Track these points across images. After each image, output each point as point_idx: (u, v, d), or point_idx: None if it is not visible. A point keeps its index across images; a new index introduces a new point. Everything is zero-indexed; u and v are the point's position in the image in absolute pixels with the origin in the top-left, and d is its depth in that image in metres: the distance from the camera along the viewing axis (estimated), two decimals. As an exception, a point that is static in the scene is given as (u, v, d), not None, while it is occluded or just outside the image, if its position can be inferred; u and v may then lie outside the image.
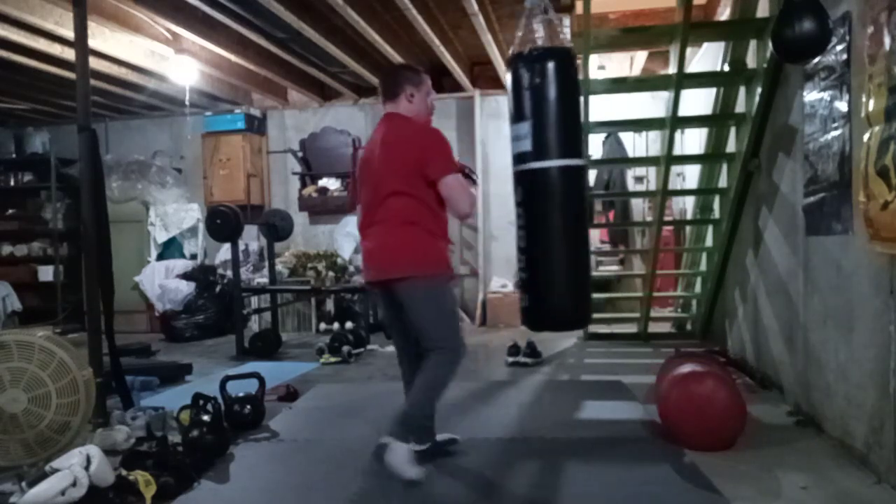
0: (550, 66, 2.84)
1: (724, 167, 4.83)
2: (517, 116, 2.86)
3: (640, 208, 7.19)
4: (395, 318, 2.76)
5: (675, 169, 5.85)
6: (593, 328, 5.76)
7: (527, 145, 2.81)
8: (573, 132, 2.92)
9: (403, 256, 2.60)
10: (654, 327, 5.63)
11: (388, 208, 2.61)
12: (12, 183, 7.71)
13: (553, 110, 2.83)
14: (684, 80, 4.34)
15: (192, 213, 7.67)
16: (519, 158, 2.86)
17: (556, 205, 2.85)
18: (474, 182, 2.97)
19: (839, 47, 2.77)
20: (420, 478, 2.52)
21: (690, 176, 6.11)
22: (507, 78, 2.94)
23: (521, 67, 2.84)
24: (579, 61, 4.78)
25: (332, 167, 7.46)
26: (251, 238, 7.35)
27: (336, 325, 6.51)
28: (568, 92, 2.89)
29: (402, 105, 2.74)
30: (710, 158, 5.04)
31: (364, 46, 5.88)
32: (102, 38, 5.14)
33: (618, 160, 6.93)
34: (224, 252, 7.20)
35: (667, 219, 5.49)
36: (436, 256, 2.63)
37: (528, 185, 2.86)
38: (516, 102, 2.87)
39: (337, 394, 4.13)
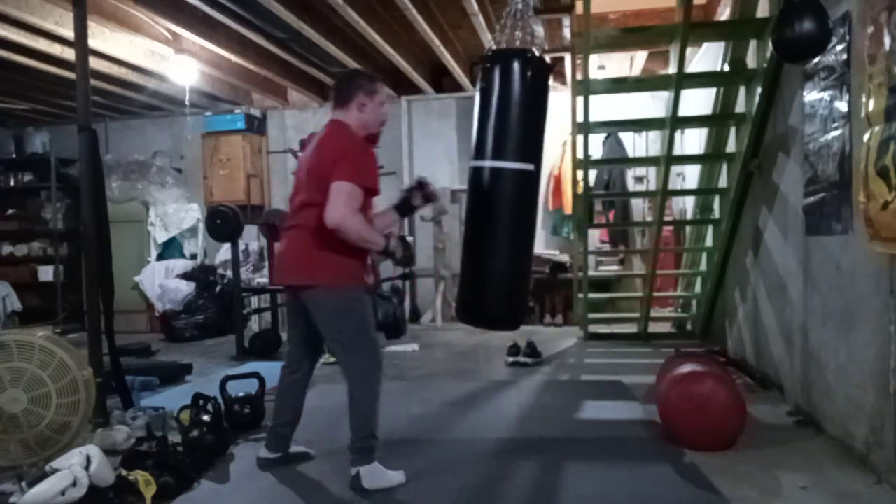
0: (497, 69, 2.91)
1: (724, 167, 4.83)
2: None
3: (640, 208, 7.19)
4: (294, 321, 2.76)
5: (675, 169, 5.84)
6: (593, 328, 5.77)
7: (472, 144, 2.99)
8: (518, 134, 2.99)
9: (307, 265, 2.55)
10: (654, 327, 5.63)
11: (301, 216, 2.58)
12: (12, 183, 7.71)
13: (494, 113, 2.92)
14: (684, 80, 4.35)
15: (192, 213, 7.67)
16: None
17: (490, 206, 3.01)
18: (427, 200, 2.86)
19: (839, 47, 2.77)
20: (403, 479, 2.56)
21: (690, 176, 6.11)
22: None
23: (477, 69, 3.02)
24: (579, 61, 4.81)
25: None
26: (251, 238, 7.34)
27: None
28: (510, 95, 2.97)
29: (352, 114, 2.63)
30: (710, 158, 5.04)
31: (364, 46, 5.88)
32: (102, 38, 5.14)
33: (618, 160, 6.93)
34: (224, 252, 7.20)
35: (667, 219, 5.49)
36: (343, 268, 2.54)
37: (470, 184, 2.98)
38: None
39: (337, 394, 4.09)
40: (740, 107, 4.42)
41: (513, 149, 2.93)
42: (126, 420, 3.21)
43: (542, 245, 7.08)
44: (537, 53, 3.03)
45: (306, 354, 2.76)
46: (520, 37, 3.01)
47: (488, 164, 2.95)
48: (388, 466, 2.61)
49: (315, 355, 2.79)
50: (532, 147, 3.02)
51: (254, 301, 6.79)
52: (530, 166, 3.00)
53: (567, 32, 5.64)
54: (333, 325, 2.56)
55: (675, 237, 6.54)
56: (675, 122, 4.51)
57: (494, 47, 3.02)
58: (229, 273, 6.49)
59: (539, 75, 2.98)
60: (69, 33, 4.03)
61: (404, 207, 2.87)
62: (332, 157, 2.51)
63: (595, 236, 7.11)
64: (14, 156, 7.75)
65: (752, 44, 4.21)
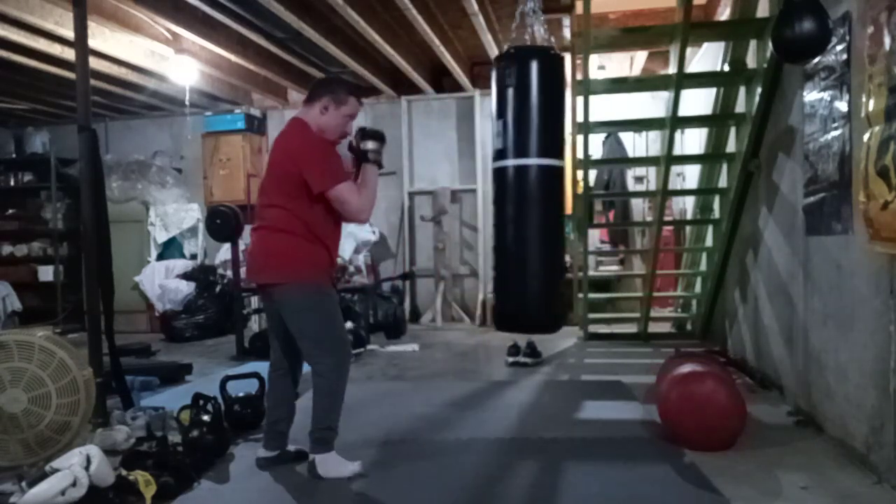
0: (532, 65, 2.88)
1: (724, 167, 4.83)
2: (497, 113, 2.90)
3: (640, 208, 7.20)
4: (271, 322, 2.82)
5: (675, 169, 5.85)
6: (593, 328, 5.77)
7: (499, 143, 2.88)
8: (553, 132, 2.96)
9: (274, 264, 2.62)
10: (654, 327, 5.63)
11: (267, 216, 2.66)
12: (12, 183, 7.71)
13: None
14: (684, 80, 4.34)
15: (192, 213, 7.67)
16: (496, 155, 2.90)
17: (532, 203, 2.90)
18: (380, 153, 2.76)
19: (839, 47, 2.77)
20: (360, 469, 2.62)
21: (690, 176, 6.11)
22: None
23: (503, 66, 2.90)
24: (579, 61, 4.81)
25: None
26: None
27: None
28: (548, 93, 2.94)
29: (313, 113, 2.68)
30: (710, 158, 5.04)
31: (364, 46, 5.88)
32: (102, 38, 5.15)
33: (618, 160, 6.93)
34: (224, 252, 7.19)
35: (667, 219, 5.49)
36: (310, 265, 2.61)
37: (501, 182, 2.91)
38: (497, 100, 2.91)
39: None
40: (740, 107, 4.42)
41: (552, 145, 2.88)
42: (126, 420, 3.21)
43: (542, 245, 7.07)
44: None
45: (286, 353, 2.77)
46: (537, 35, 3.01)
47: (534, 161, 2.87)
48: (388, 466, 2.62)
49: (296, 353, 2.76)
50: (561, 143, 3.01)
51: (254, 301, 6.78)
52: (562, 162, 3.00)
53: (567, 32, 5.64)
54: (302, 321, 2.62)
55: (675, 237, 6.55)
56: (675, 122, 4.51)
57: (518, 44, 2.98)
58: (229, 273, 6.50)
59: (562, 73, 3.00)
60: (69, 33, 4.03)
61: (359, 154, 2.79)
62: (292, 160, 2.59)
63: (595, 236, 7.12)
64: (14, 156, 7.75)
65: (752, 44, 4.21)
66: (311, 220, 2.60)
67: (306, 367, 2.73)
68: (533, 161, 2.85)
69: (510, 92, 2.90)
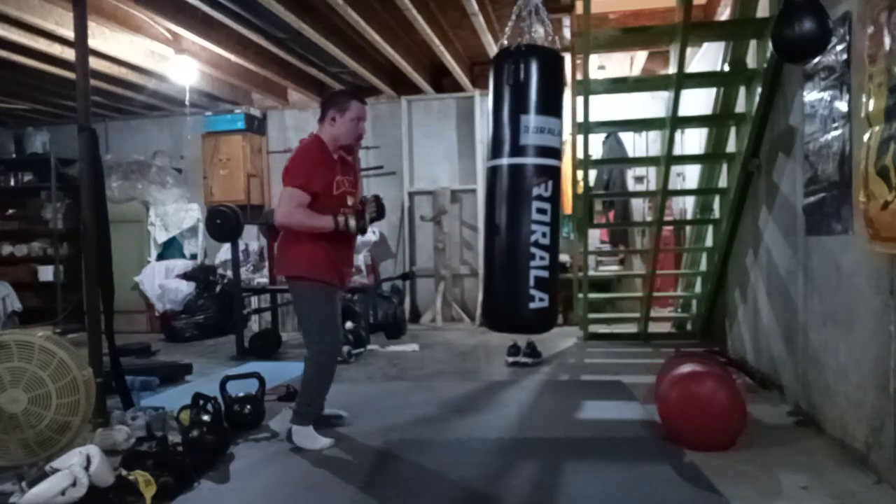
0: (533, 63, 2.85)
1: (724, 167, 4.83)
2: (548, 109, 2.82)
3: (640, 208, 7.20)
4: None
5: (675, 169, 5.84)
6: (593, 328, 5.77)
7: (559, 142, 2.83)
8: (558, 129, 2.96)
9: (287, 260, 3.05)
10: (654, 327, 5.63)
11: None
12: (12, 183, 7.70)
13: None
14: (684, 80, 4.34)
15: (192, 213, 7.67)
16: (549, 152, 2.83)
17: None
18: (361, 226, 2.98)
19: (839, 47, 2.77)
20: (329, 444, 2.97)
21: (690, 176, 6.11)
22: (534, 66, 2.83)
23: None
24: (579, 61, 4.81)
25: None
26: (251, 238, 7.34)
27: (336, 325, 6.50)
28: (547, 88, 2.93)
29: (325, 128, 3.04)
30: (710, 158, 5.04)
31: (364, 46, 5.88)
32: (102, 38, 5.14)
33: (618, 160, 6.93)
34: (224, 252, 7.20)
35: (667, 219, 5.49)
36: (314, 265, 2.94)
37: (557, 182, 2.85)
38: (549, 94, 2.82)
39: (337, 394, 4.12)
40: (740, 107, 4.42)
41: (552, 145, 2.84)
42: (126, 420, 3.21)
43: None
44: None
45: None
46: (539, 33, 3.00)
47: (531, 161, 2.82)
48: (388, 466, 2.65)
49: None
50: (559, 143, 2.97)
51: (254, 301, 6.79)
52: (560, 163, 2.96)
53: (567, 32, 5.64)
54: (299, 310, 3.13)
55: (675, 237, 6.55)
56: (675, 122, 4.51)
57: (522, 42, 2.95)
58: (229, 273, 6.50)
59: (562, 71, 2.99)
60: (69, 33, 4.03)
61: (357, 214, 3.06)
62: (286, 170, 2.97)
63: (595, 236, 7.11)
64: (14, 156, 7.75)
65: (752, 44, 4.21)
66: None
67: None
68: (537, 161, 2.85)
69: (509, 89, 2.84)
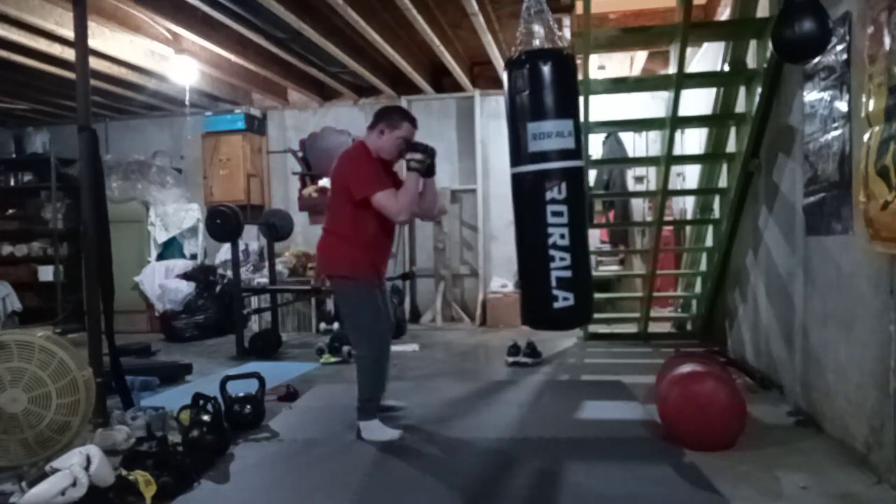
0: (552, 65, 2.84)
1: (724, 167, 4.83)
2: (553, 112, 2.83)
3: (640, 208, 7.19)
4: None
5: (675, 169, 5.85)
6: (593, 328, 5.77)
7: (572, 143, 2.82)
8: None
9: (328, 261, 3.18)
10: (654, 327, 5.63)
11: (327, 221, 3.21)
12: (12, 183, 7.70)
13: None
14: (684, 80, 4.34)
15: (192, 213, 7.67)
16: (565, 154, 2.84)
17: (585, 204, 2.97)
18: (426, 164, 3.05)
19: (839, 47, 2.77)
20: (397, 436, 3.06)
21: (690, 176, 6.11)
22: (546, 69, 2.83)
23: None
24: (579, 61, 4.80)
25: (332, 167, 7.45)
26: (251, 238, 7.35)
27: (336, 325, 6.50)
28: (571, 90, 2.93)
29: (372, 137, 3.14)
30: (710, 158, 5.04)
31: (364, 46, 5.88)
32: (102, 38, 5.14)
33: (618, 160, 6.93)
34: (224, 252, 7.20)
35: (667, 219, 5.49)
36: (353, 265, 3.06)
37: (575, 182, 2.87)
38: (561, 95, 2.84)
39: (337, 394, 4.12)
40: (740, 107, 4.42)
41: (561, 147, 2.85)
42: (126, 420, 3.21)
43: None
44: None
45: None
46: (541, 34, 3.00)
47: (536, 167, 2.86)
48: (388, 466, 2.67)
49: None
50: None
51: (254, 301, 6.79)
52: (578, 161, 2.97)
53: (567, 32, 5.64)
54: (344, 309, 3.28)
55: (675, 237, 6.54)
56: (675, 122, 4.51)
57: (519, 47, 2.97)
58: (229, 273, 6.50)
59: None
60: (69, 33, 4.03)
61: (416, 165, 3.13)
62: (340, 174, 3.11)
63: (595, 236, 7.11)
64: (14, 156, 7.75)
65: (752, 44, 4.21)
66: (354, 224, 3.06)
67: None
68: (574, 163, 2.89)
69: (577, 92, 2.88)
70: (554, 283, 2.86)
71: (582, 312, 3.01)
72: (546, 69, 2.83)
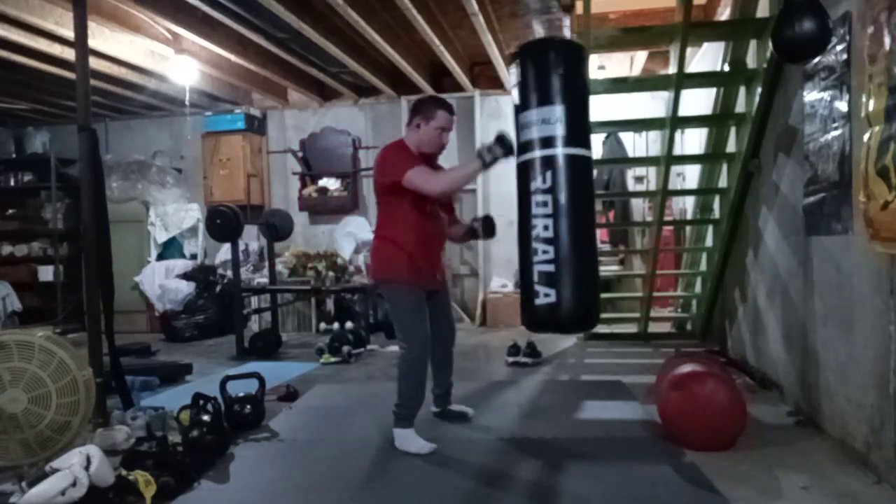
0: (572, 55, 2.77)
1: (724, 167, 4.83)
2: (535, 100, 2.69)
3: (640, 208, 7.20)
4: None
5: (675, 169, 5.84)
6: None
7: (560, 129, 2.66)
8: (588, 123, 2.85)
9: (376, 265, 3.16)
10: (654, 327, 5.63)
11: (377, 225, 3.17)
12: (12, 183, 7.71)
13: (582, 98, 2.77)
14: (684, 80, 4.34)
15: (192, 213, 7.67)
16: (549, 142, 2.67)
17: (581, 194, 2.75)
18: (495, 158, 2.80)
19: (839, 47, 2.77)
20: (430, 449, 2.89)
21: (690, 176, 6.11)
22: (520, 65, 2.74)
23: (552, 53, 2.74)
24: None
25: (332, 167, 7.48)
26: (251, 238, 7.35)
27: (336, 325, 6.51)
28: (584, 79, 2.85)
29: (411, 133, 3.08)
30: (710, 158, 5.04)
31: (364, 46, 5.88)
32: (102, 38, 5.14)
33: (618, 160, 6.93)
34: (224, 252, 7.20)
35: (667, 219, 5.49)
36: (398, 269, 2.99)
37: (567, 171, 2.68)
38: (537, 85, 2.70)
39: (337, 394, 4.13)
40: (740, 107, 4.42)
41: (545, 135, 2.72)
42: (126, 420, 3.21)
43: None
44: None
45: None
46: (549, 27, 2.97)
47: (521, 158, 2.76)
48: (388, 466, 2.66)
49: (434, 331, 3.11)
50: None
51: (254, 301, 6.79)
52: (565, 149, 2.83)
53: (567, 32, 5.64)
54: (392, 312, 3.15)
55: (675, 237, 6.54)
56: (675, 122, 4.50)
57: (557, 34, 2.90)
58: (229, 273, 6.50)
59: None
60: (69, 33, 4.03)
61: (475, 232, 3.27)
62: (380, 170, 3.03)
63: (595, 236, 7.10)
64: (14, 156, 7.76)
65: (752, 44, 4.21)
66: (394, 225, 3.01)
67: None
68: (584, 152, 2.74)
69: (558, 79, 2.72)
70: (535, 278, 2.66)
71: (571, 313, 2.69)
72: (528, 61, 2.74)
